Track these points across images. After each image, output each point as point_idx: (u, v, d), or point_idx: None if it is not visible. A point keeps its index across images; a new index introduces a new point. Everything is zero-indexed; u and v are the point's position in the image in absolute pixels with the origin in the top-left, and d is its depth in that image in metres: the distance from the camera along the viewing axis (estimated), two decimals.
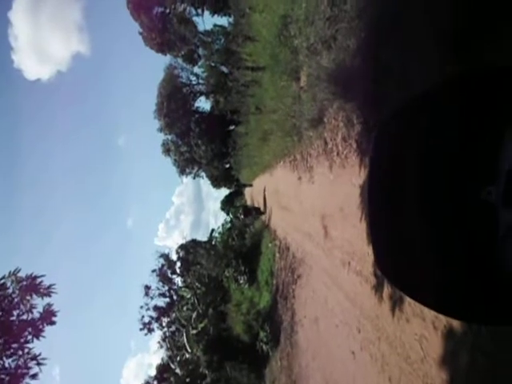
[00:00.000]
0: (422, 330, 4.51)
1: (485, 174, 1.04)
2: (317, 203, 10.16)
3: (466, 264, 1.07)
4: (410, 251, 1.19)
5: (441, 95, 1.18)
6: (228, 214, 31.59)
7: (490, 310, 1.05)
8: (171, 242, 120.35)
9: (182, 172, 35.10)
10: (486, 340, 3.28)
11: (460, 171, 1.09)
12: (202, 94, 33.15)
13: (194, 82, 32.71)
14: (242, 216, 23.30)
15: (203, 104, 35.22)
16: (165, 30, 28.49)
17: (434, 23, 4.36)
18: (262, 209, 22.59)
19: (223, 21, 28.67)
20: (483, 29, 3.62)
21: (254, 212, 22.88)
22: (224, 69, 28.83)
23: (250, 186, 29.63)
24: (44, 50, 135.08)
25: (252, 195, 30.81)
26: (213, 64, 29.96)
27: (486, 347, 3.30)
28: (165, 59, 31.89)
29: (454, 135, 1.11)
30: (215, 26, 28.86)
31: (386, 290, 5.60)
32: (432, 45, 4.44)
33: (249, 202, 31.83)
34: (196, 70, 32.15)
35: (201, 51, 30.34)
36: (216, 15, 27.97)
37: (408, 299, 4.79)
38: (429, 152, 1.16)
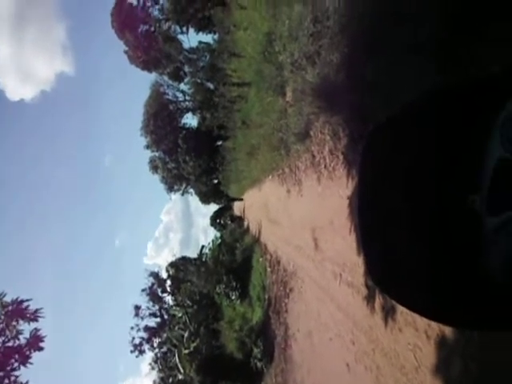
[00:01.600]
0: (415, 339, 4.52)
1: (469, 183, 1.07)
2: (306, 216, 10.20)
3: (456, 272, 1.09)
4: (401, 260, 1.21)
5: (426, 105, 1.21)
6: (217, 228, 32.53)
7: (479, 315, 1.07)
8: (161, 260, 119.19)
9: (170, 189, 34.98)
10: (478, 347, 3.31)
11: (446, 181, 1.11)
12: (188, 110, 33.28)
13: (180, 99, 32.85)
14: (230, 221, 30.77)
15: (190, 120, 35.41)
16: (150, 48, 28.68)
17: (416, 35, 4.47)
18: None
19: (208, 38, 29.05)
20: (467, 38, 3.72)
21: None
22: (210, 85, 29.03)
23: (241, 199, 29.62)
24: (27, 69, 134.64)
25: (240, 210, 30.88)
26: (199, 81, 30.16)
27: (478, 354, 3.33)
28: (150, 77, 32.07)
29: (441, 145, 1.14)
30: (200, 43, 29.16)
31: (378, 300, 5.61)
32: (416, 56, 4.54)
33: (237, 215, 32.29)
34: (182, 86, 32.33)
35: (186, 68, 30.56)
36: (201, 32, 28.25)
37: (400, 309, 4.82)
38: (416, 162, 1.19)
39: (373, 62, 5.61)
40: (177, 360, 19.09)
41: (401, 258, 1.21)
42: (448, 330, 3.85)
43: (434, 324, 4.05)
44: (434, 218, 1.12)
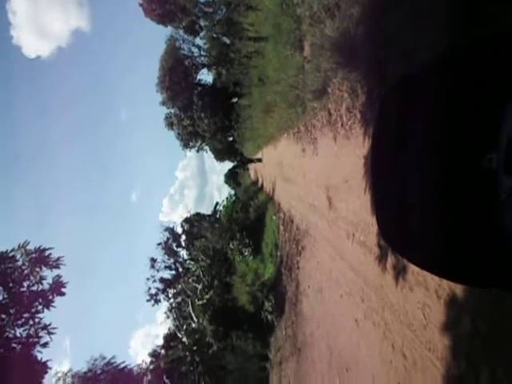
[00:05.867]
0: (425, 298, 4.58)
1: (486, 142, 1.04)
2: (321, 175, 10.15)
3: (468, 229, 1.08)
4: (413, 218, 1.20)
5: (445, 63, 1.17)
6: (231, 186, 32.86)
7: (492, 273, 1.07)
8: (176, 216, 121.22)
9: (186, 146, 34.89)
10: (488, 307, 3.34)
11: (462, 139, 1.09)
12: (204, 66, 32.56)
13: (195, 54, 32.07)
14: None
15: (205, 76, 34.76)
16: (165, 1, 27.78)
17: None
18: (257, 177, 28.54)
19: None
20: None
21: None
22: (226, 40, 28.20)
23: (259, 161, 27.60)
24: (43, 25, 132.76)
25: (255, 167, 30.83)
26: (214, 35, 29.29)
27: (488, 314, 3.36)
28: (166, 31, 31.27)
29: (458, 103, 1.10)
30: None
31: (390, 260, 5.66)
32: (437, 14, 4.32)
33: (252, 174, 32.16)
34: (198, 41, 31.48)
35: (202, 22, 29.61)
36: None
37: (411, 268, 4.85)
38: (432, 120, 1.16)
39: (394, 16, 5.35)
40: (190, 310, 19.85)
41: (414, 216, 1.20)
42: (458, 291, 3.88)
43: (444, 284, 4.09)
44: (450, 177, 1.10)
